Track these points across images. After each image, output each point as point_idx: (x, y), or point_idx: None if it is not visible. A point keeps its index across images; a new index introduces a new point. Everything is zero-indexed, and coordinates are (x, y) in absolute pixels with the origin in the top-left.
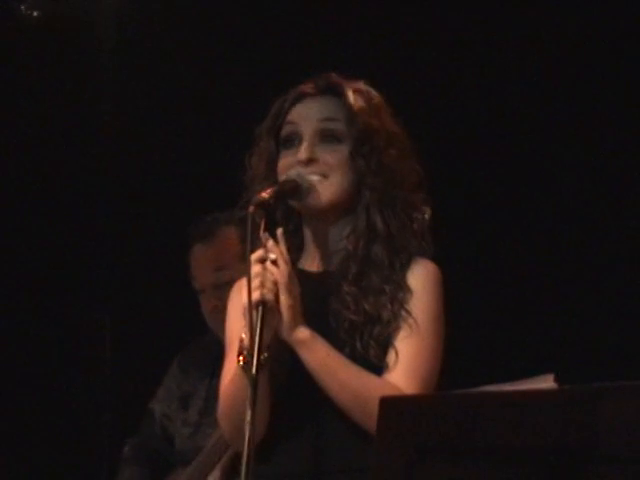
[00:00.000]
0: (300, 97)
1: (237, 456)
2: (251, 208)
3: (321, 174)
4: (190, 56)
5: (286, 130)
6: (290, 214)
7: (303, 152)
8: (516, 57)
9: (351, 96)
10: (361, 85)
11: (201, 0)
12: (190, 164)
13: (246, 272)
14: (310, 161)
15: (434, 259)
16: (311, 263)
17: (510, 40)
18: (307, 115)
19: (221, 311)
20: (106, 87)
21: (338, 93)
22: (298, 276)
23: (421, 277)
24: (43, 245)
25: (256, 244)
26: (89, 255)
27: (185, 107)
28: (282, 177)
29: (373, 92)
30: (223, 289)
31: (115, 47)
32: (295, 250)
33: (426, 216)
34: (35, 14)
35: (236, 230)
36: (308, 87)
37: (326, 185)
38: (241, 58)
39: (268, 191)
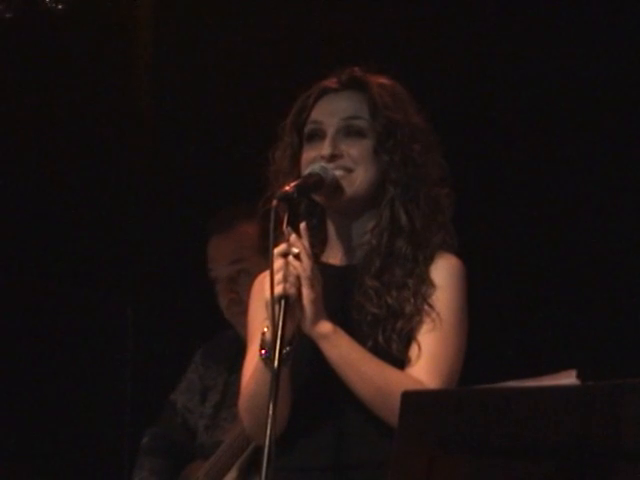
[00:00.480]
0: (324, 93)
1: (258, 450)
2: (274, 202)
3: (345, 169)
4: (217, 49)
5: (310, 126)
6: (314, 208)
7: (326, 148)
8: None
9: (375, 91)
10: (385, 79)
11: None
12: (216, 157)
13: (268, 266)
14: (333, 157)
15: (458, 253)
16: (334, 257)
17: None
18: (331, 111)
19: (237, 304)
20: (136, 80)
21: (362, 88)
22: (321, 269)
23: (445, 271)
24: (67, 234)
25: (279, 238)
26: (113, 245)
27: (214, 100)
28: (305, 171)
29: (398, 86)
30: (238, 282)
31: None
32: (318, 244)
33: (449, 210)
34: (60, 6)
35: (256, 224)
36: (332, 82)
37: (350, 180)
38: (266, 52)
39: (291, 185)
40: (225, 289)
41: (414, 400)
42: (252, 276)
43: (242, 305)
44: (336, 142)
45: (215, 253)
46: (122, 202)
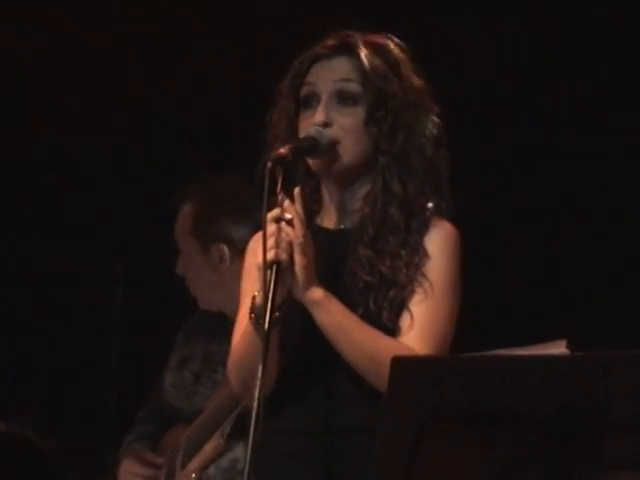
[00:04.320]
0: (316, 58)
1: (242, 416)
2: (269, 164)
3: (335, 139)
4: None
5: (304, 90)
6: (310, 172)
7: (319, 115)
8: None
9: (365, 56)
10: (380, 39)
11: None
12: (212, 119)
13: (262, 230)
14: (325, 125)
15: (453, 218)
16: (328, 220)
17: None
18: (323, 76)
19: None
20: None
21: (353, 52)
22: (315, 232)
23: (438, 240)
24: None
25: (272, 201)
26: (104, 207)
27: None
28: (301, 134)
29: (392, 46)
30: (180, 262)
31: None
32: (314, 206)
33: (445, 172)
34: None
35: (192, 204)
36: (323, 48)
37: (340, 150)
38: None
39: (286, 147)
40: (180, 265)
41: (403, 365)
42: (188, 257)
43: (190, 284)
44: (328, 109)
45: (175, 226)
46: (116, 164)
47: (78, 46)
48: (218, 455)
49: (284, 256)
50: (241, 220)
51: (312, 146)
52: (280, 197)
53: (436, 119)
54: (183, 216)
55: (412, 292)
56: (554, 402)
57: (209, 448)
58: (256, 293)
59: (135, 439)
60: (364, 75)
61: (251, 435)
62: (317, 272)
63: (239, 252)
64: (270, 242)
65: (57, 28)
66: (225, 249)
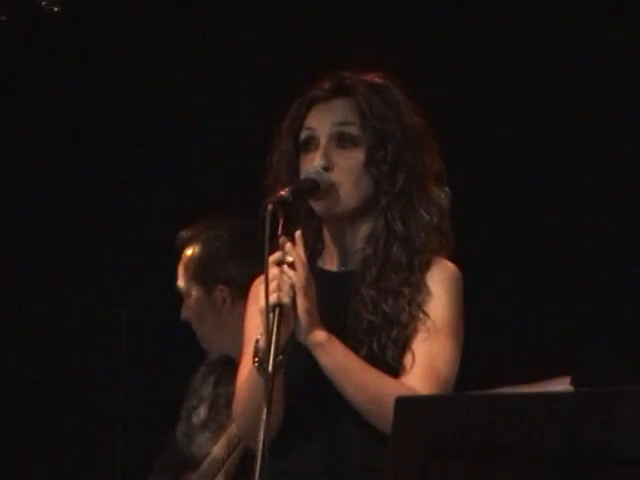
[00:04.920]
0: (315, 100)
1: (245, 457)
2: (269, 206)
3: (336, 181)
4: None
5: (304, 134)
6: (312, 214)
7: (318, 159)
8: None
9: (363, 98)
10: (378, 79)
11: None
12: (212, 163)
13: (264, 274)
14: (325, 169)
15: (454, 257)
16: (330, 262)
17: None
18: (322, 119)
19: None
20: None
21: (351, 94)
22: (317, 275)
23: (440, 279)
24: (61, 237)
25: (274, 244)
26: (107, 247)
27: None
28: (301, 176)
29: (390, 86)
30: (186, 305)
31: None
32: (315, 248)
33: (447, 209)
34: (56, 9)
35: (194, 248)
36: (321, 90)
37: (341, 192)
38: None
39: (286, 189)
40: (184, 310)
41: (408, 406)
42: (193, 301)
43: (195, 328)
44: (328, 153)
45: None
46: (118, 202)
47: None
48: None
49: (286, 299)
50: (242, 261)
51: (313, 188)
52: (281, 240)
53: (437, 157)
54: (186, 261)
55: (415, 331)
56: (559, 439)
57: None
58: (259, 337)
59: None
60: (363, 117)
61: (256, 478)
62: (320, 314)
63: (241, 294)
64: (272, 285)
65: None
66: (227, 291)
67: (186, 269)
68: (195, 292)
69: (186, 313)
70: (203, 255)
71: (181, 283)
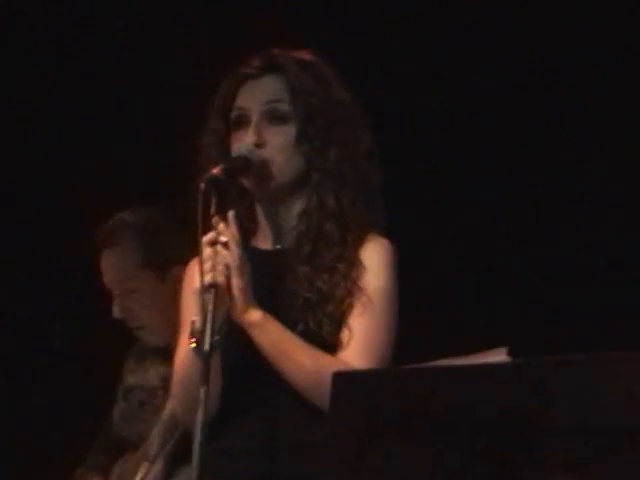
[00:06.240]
0: (244, 78)
1: (183, 440)
2: (202, 185)
3: (268, 158)
4: None
5: (235, 113)
6: (244, 192)
7: (250, 136)
8: None
9: (294, 74)
10: (307, 56)
11: None
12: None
13: (198, 254)
14: (257, 146)
15: (387, 232)
16: (264, 241)
17: None
18: (253, 97)
19: (132, 320)
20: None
21: (281, 71)
22: (252, 254)
23: (375, 254)
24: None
25: (206, 224)
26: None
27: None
28: (232, 154)
29: (320, 63)
30: (131, 300)
31: None
32: (249, 227)
33: (378, 184)
34: None
35: (139, 236)
36: (251, 67)
37: (273, 169)
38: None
39: (218, 168)
40: (119, 307)
41: (345, 380)
42: (142, 293)
43: (138, 321)
44: (260, 130)
45: (104, 270)
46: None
47: None
48: None
49: (221, 279)
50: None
51: (245, 165)
52: (215, 220)
53: (367, 132)
54: (123, 254)
55: (350, 306)
56: (496, 409)
57: (151, 475)
58: (195, 318)
59: (85, 471)
60: (293, 94)
61: (195, 458)
62: (255, 293)
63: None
64: (207, 266)
65: None
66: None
67: (126, 261)
68: (143, 281)
69: (121, 311)
70: (148, 240)
71: (116, 279)
